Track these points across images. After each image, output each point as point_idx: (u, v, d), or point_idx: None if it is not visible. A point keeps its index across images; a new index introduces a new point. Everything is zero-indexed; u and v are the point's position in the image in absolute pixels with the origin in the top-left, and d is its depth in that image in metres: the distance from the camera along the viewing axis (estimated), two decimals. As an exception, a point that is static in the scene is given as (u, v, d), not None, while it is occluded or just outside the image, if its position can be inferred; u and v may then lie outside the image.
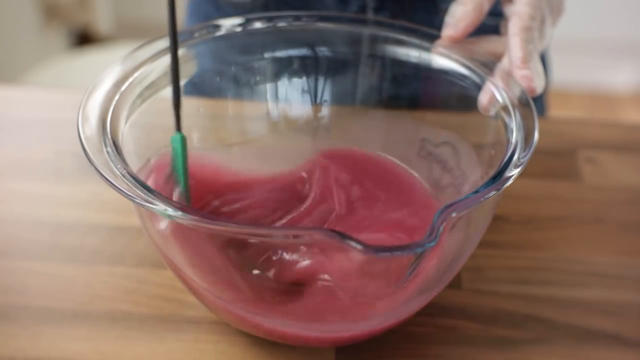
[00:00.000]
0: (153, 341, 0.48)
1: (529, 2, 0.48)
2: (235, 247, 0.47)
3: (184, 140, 0.45)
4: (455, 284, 0.52)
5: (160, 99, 0.50)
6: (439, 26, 0.52)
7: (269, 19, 0.54)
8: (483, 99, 0.49)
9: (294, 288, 0.47)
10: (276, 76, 0.55)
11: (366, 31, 0.55)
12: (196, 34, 0.52)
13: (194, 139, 0.54)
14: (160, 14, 2.10)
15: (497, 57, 0.50)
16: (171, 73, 0.44)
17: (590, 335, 0.50)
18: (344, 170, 0.53)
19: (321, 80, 0.56)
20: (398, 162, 0.55)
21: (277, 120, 0.56)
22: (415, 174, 0.54)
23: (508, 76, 0.48)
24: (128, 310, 0.50)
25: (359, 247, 0.36)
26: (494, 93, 0.48)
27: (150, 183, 0.46)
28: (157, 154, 0.48)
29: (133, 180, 0.40)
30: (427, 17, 0.66)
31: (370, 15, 0.67)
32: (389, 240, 0.48)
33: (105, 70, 0.47)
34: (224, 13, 0.69)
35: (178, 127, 0.45)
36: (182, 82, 0.51)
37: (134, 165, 0.44)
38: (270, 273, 0.47)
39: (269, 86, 0.56)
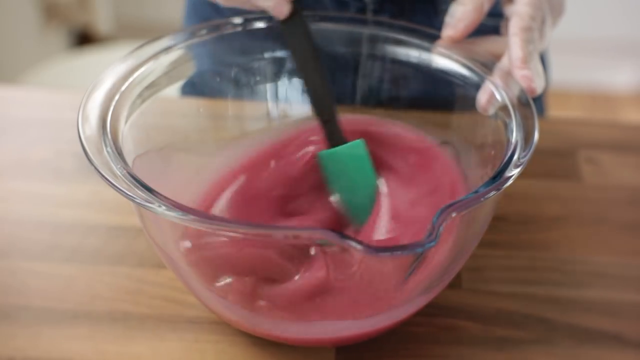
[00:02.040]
0: (153, 341, 0.48)
1: (529, 2, 0.48)
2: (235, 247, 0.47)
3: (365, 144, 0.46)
4: (455, 284, 0.52)
5: (160, 99, 0.50)
6: (438, 27, 0.52)
7: (269, 19, 0.54)
8: (482, 98, 0.49)
9: (295, 287, 0.47)
10: (276, 76, 0.56)
11: (366, 31, 0.55)
12: (196, 34, 0.52)
13: (194, 139, 0.54)
14: (160, 14, 2.10)
15: (497, 57, 0.50)
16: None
17: (590, 335, 0.50)
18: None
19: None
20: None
21: (277, 120, 0.56)
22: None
23: (507, 76, 0.48)
24: (128, 310, 0.50)
25: (359, 247, 0.36)
26: (493, 93, 0.48)
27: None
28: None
29: (133, 180, 0.40)
30: (426, 19, 0.66)
31: (369, 16, 0.67)
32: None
33: (105, 70, 0.47)
34: (223, 14, 0.69)
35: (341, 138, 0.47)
36: (182, 82, 0.52)
37: (134, 165, 0.44)
38: (270, 273, 0.47)
39: (269, 86, 0.56)
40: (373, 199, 0.48)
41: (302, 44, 0.45)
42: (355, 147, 0.46)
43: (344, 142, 0.50)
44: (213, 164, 0.53)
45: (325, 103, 0.46)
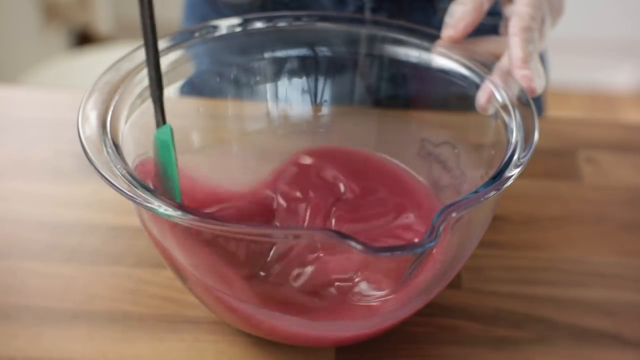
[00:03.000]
0: (153, 341, 0.48)
1: (529, 2, 0.48)
2: (236, 246, 0.47)
3: (172, 133, 0.44)
4: (455, 284, 0.52)
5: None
6: (436, 26, 0.52)
7: (269, 19, 0.54)
8: (481, 98, 0.49)
9: (294, 287, 0.47)
10: (276, 76, 0.55)
11: (366, 31, 0.55)
12: (196, 34, 0.52)
13: (194, 139, 0.54)
14: (161, 14, 2.09)
15: (497, 57, 0.50)
16: (149, 62, 0.43)
17: (590, 335, 0.50)
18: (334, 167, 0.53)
19: (321, 80, 0.56)
20: (397, 162, 0.55)
21: (277, 120, 0.56)
22: (412, 171, 0.54)
23: (507, 75, 0.48)
24: (128, 310, 0.50)
25: (359, 247, 0.36)
26: (492, 92, 0.48)
27: None
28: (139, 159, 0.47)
29: (133, 180, 0.40)
30: (424, 18, 0.66)
31: (368, 15, 0.67)
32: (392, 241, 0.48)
33: (105, 70, 0.47)
34: (221, 14, 0.69)
35: (163, 119, 0.44)
36: (181, 82, 0.52)
37: (134, 166, 0.44)
38: (271, 273, 0.47)
39: (268, 86, 0.56)
40: (175, 185, 0.46)
41: (145, 17, 0.43)
42: (161, 132, 0.44)
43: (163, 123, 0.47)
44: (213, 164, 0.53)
45: (152, 82, 0.44)
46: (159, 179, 0.46)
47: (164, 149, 0.45)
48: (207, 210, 0.50)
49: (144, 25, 0.42)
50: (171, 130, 0.44)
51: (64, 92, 0.70)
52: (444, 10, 0.52)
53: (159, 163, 0.45)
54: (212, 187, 0.52)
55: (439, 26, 0.52)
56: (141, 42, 0.49)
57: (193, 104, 0.55)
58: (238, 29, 0.53)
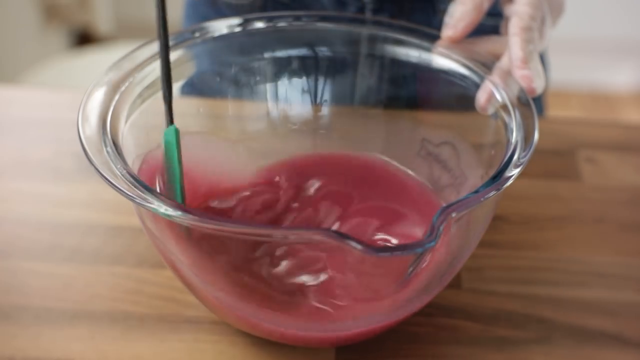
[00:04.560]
0: (153, 341, 0.48)
1: (529, 2, 0.48)
2: (236, 246, 0.47)
3: (177, 134, 0.45)
4: (455, 284, 0.52)
5: (160, 99, 0.50)
6: (437, 27, 0.52)
7: (269, 19, 0.54)
8: (481, 98, 0.49)
9: (294, 287, 0.47)
10: (276, 76, 0.55)
11: (366, 31, 0.55)
12: (196, 34, 0.52)
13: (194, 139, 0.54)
14: (160, 14, 2.06)
15: (497, 57, 0.50)
16: (161, 66, 0.44)
17: (590, 335, 0.50)
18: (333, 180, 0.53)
19: (321, 81, 0.56)
20: (397, 164, 0.55)
21: (277, 120, 0.56)
22: (412, 172, 0.54)
23: (507, 75, 0.48)
24: (128, 310, 0.50)
25: (358, 247, 0.36)
26: (492, 92, 0.48)
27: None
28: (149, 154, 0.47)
29: (133, 180, 0.40)
30: (425, 18, 0.66)
31: (368, 16, 0.67)
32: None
33: (105, 70, 0.47)
34: (221, 14, 0.69)
35: (171, 120, 0.45)
36: (181, 82, 0.52)
37: (134, 165, 0.44)
38: (271, 273, 0.47)
39: (268, 86, 0.56)
40: (177, 186, 0.46)
41: (160, 18, 0.44)
42: (167, 133, 0.45)
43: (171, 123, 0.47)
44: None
45: (163, 82, 0.45)
46: (164, 177, 0.46)
47: (169, 149, 0.45)
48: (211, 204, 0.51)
49: (158, 26, 0.43)
50: (177, 131, 0.44)
51: (64, 92, 0.70)
52: (445, 11, 0.52)
53: (164, 162, 0.45)
54: (213, 182, 0.52)
55: (439, 26, 0.52)
56: (141, 42, 0.50)
57: (193, 104, 0.55)
58: (238, 29, 0.53)
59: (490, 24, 0.55)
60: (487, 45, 0.52)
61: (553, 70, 0.85)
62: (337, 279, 0.46)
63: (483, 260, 0.54)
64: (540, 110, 0.77)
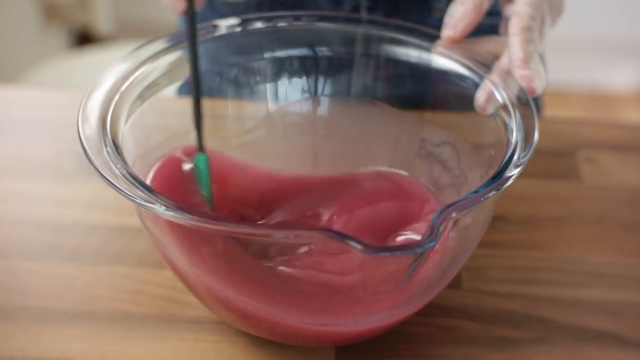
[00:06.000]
0: (153, 341, 0.48)
1: (529, 2, 0.48)
2: (236, 246, 0.47)
3: (208, 162, 0.47)
4: (455, 284, 0.52)
5: (160, 99, 0.50)
6: (432, 25, 0.52)
7: (268, 19, 0.54)
8: (480, 97, 0.49)
9: (294, 287, 0.47)
10: (276, 76, 0.56)
11: (364, 31, 0.55)
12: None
13: (194, 139, 0.54)
14: (161, 14, 2.10)
15: (497, 57, 0.50)
16: (192, 91, 0.45)
17: (590, 335, 0.50)
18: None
19: (320, 80, 0.56)
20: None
21: (277, 120, 0.56)
22: (411, 173, 0.54)
23: (506, 75, 0.48)
24: (128, 310, 0.50)
25: (359, 247, 0.36)
26: (491, 92, 0.48)
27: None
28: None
29: (133, 180, 0.40)
30: (420, 17, 0.66)
31: (364, 14, 0.67)
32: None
33: (105, 70, 0.47)
34: (219, 14, 0.69)
35: (200, 147, 0.47)
36: (181, 82, 0.52)
37: (134, 165, 0.44)
38: (271, 272, 0.47)
39: (269, 86, 0.56)
40: (208, 204, 0.49)
41: (191, 40, 0.45)
42: (197, 160, 0.47)
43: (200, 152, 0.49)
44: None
45: (194, 110, 0.46)
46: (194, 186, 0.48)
47: (199, 175, 0.47)
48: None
49: (191, 62, 0.45)
50: (207, 159, 0.47)
51: (64, 92, 0.70)
52: (440, 10, 0.52)
53: (195, 180, 0.48)
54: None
55: (435, 25, 0.52)
56: (141, 42, 0.50)
57: (193, 104, 0.55)
58: (237, 29, 0.53)
59: (490, 23, 0.55)
60: (487, 45, 0.52)
61: (553, 71, 0.85)
62: (337, 279, 0.46)
63: (483, 260, 0.54)
64: (538, 109, 0.78)
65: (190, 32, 0.44)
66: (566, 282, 0.54)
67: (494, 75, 0.49)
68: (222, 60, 0.54)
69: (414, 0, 0.66)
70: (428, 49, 0.52)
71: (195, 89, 0.45)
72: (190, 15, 0.44)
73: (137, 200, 0.38)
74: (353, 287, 0.46)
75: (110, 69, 0.47)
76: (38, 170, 0.61)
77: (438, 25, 0.52)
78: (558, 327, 0.50)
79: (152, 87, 0.49)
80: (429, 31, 0.53)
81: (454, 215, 0.38)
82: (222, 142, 0.55)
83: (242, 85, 0.55)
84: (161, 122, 0.51)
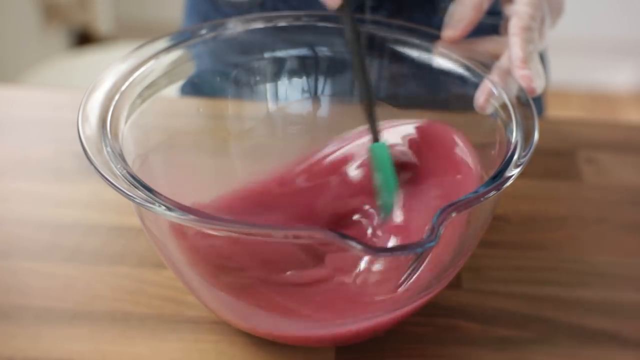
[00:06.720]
0: (153, 341, 0.48)
1: (529, 2, 0.48)
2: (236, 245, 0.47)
3: (386, 148, 0.48)
4: (455, 284, 0.52)
5: (160, 99, 0.50)
6: (436, 26, 0.52)
7: (269, 19, 0.54)
8: (480, 97, 0.49)
9: (294, 287, 0.47)
10: (276, 76, 0.56)
11: (366, 30, 0.55)
12: (196, 34, 0.52)
13: (194, 139, 0.54)
14: (160, 14, 2.10)
15: (497, 57, 0.50)
16: (360, 82, 0.48)
17: (591, 335, 0.50)
18: None
19: (321, 80, 0.56)
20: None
21: (277, 120, 0.56)
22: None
23: (506, 75, 0.48)
24: (128, 310, 0.50)
25: (359, 247, 0.36)
26: (491, 92, 0.48)
27: None
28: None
29: (133, 180, 0.40)
30: (424, 17, 0.66)
31: (367, 14, 0.67)
32: None
33: (105, 70, 0.47)
34: (222, 12, 0.69)
35: (375, 137, 0.48)
36: (182, 82, 0.52)
37: (134, 165, 0.44)
38: (271, 272, 0.47)
39: (269, 86, 0.56)
40: (391, 199, 0.49)
41: (350, 35, 0.47)
42: (377, 148, 0.48)
43: (376, 140, 0.50)
44: (213, 164, 0.53)
45: (363, 96, 0.48)
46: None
47: (380, 161, 0.48)
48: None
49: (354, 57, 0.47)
50: (385, 147, 0.48)
51: (64, 92, 0.70)
52: (444, 10, 0.52)
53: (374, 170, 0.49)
54: None
55: (439, 26, 0.52)
56: (141, 42, 0.50)
57: (193, 104, 0.55)
58: (238, 29, 0.53)
59: (490, 23, 0.55)
60: (486, 45, 0.52)
61: (553, 70, 0.85)
62: (337, 279, 0.46)
63: (483, 260, 0.54)
64: (540, 110, 0.77)
65: (351, 25, 0.47)
66: (566, 282, 0.54)
67: (494, 75, 0.49)
68: (223, 60, 0.54)
69: (418, 0, 0.66)
70: (428, 49, 0.52)
71: (363, 77, 0.48)
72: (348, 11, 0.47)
73: (137, 200, 0.38)
74: (353, 286, 0.46)
75: (110, 69, 0.47)
76: (38, 170, 0.61)
77: (442, 26, 0.52)
78: (558, 327, 0.50)
79: (152, 87, 0.49)
80: (430, 31, 0.53)
81: (454, 215, 0.38)
82: (222, 142, 0.55)
83: (242, 85, 0.55)
84: (161, 122, 0.51)
